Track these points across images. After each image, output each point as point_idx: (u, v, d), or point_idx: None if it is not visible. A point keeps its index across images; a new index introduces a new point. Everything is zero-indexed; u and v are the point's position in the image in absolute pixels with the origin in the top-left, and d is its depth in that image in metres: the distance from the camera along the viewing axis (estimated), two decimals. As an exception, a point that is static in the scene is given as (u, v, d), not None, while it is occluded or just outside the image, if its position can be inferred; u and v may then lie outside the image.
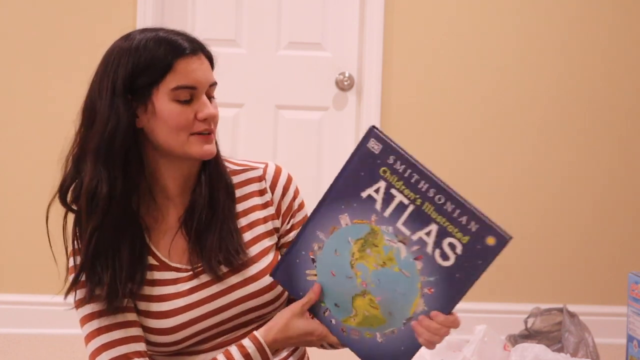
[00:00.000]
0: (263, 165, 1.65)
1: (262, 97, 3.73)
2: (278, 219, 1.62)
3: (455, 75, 3.72)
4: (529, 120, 3.75)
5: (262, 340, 1.48)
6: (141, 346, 1.50)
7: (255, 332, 1.50)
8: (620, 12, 3.75)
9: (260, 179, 1.63)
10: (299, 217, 1.64)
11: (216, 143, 1.58)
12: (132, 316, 1.50)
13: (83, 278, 1.48)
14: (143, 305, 1.52)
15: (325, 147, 3.74)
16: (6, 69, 3.59)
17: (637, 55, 3.77)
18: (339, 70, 3.73)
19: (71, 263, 1.53)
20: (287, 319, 1.47)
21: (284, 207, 1.63)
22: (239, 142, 3.70)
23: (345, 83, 3.71)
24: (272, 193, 1.63)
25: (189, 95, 1.50)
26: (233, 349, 1.49)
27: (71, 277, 1.51)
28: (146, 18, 3.56)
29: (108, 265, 1.47)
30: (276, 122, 3.74)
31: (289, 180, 1.65)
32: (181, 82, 1.48)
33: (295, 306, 1.48)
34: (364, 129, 3.70)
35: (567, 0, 3.74)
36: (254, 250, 1.57)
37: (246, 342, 1.49)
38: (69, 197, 1.54)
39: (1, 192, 3.61)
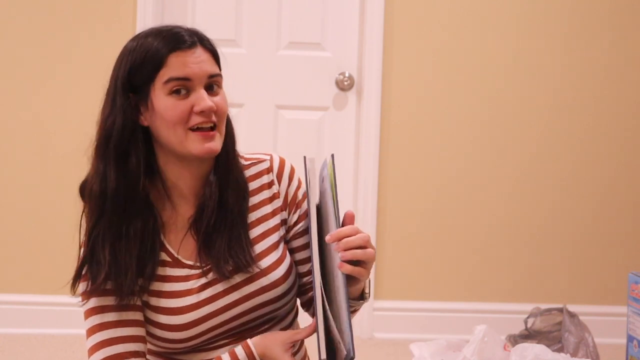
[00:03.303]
0: (268, 157, 1.66)
1: (262, 97, 3.73)
2: (285, 210, 1.63)
3: (456, 75, 3.72)
4: (530, 120, 3.75)
5: (253, 348, 1.50)
6: (139, 346, 1.50)
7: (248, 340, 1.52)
8: (622, 12, 3.75)
9: (269, 170, 1.64)
10: (304, 207, 1.65)
11: (232, 138, 1.60)
12: (135, 315, 1.51)
13: (84, 271, 1.50)
14: (154, 301, 1.53)
15: (325, 147, 3.74)
16: (5, 66, 3.59)
17: (638, 56, 3.77)
18: (339, 70, 3.73)
19: (81, 254, 1.54)
20: (273, 340, 1.49)
21: (290, 196, 1.64)
22: (239, 142, 3.69)
23: (345, 83, 3.71)
24: (279, 184, 1.63)
25: (184, 88, 1.49)
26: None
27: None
28: (146, 18, 3.56)
29: (111, 259, 1.47)
30: (276, 122, 3.74)
31: (292, 170, 1.66)
32: (173, 74, 1.48)
33: (289, 333, 1.51)
34: (364, 129, 3.70)
35: (568, 0, 3.74)
36: (263, 245, 1.58)
37: (238, 349, 1.51)
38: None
39: (1, 193, 3.61)
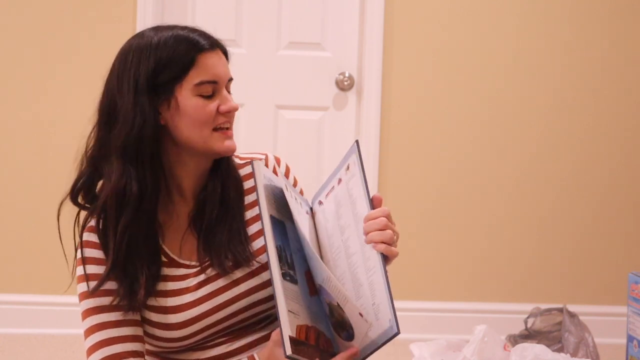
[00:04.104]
0: (263, 157, 1.68)
1: (262, 97, 3.73)
2: None
3: (456, 75, 3.72)
4: (530, 120, 3.75)
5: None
6: (137, 346, 1.50)
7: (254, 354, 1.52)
8: (622, 12, 3.75)
9: None
10: None
11: None
12: (134, 315, 1.51)
13: (111, 278, 1.49)
14: (152, 301, 1.53)
15: (325, 147, 3.74)
16: (5, 66, 3.59)
17: (638, 56, 3.77)
18: (339, 70, 3.73)
19: (78, 255, 1.53)
20: (270, 345, 1.49)
21: None
22: (239, 142, 3.64)
23: (345, 83, 3.71)
24: None
25: (212, 90, 1.53)
26: None
27: (79, 269, 1.52)
28: (146, 18, 3.56)
29: (129, 260, 1.49)
30: (276, 122, 3.74)
31: (287, 169, 1.68)
32: (204, 77, 1.51)
33: (277, 330, 1.50)
34: (364, 129, 3.70)
35: (568, 0, 3.74)
36: (259, 243, 1.58)
37: None
38: (80, 196, 1.55)
39: (1, 193, 3.61)
